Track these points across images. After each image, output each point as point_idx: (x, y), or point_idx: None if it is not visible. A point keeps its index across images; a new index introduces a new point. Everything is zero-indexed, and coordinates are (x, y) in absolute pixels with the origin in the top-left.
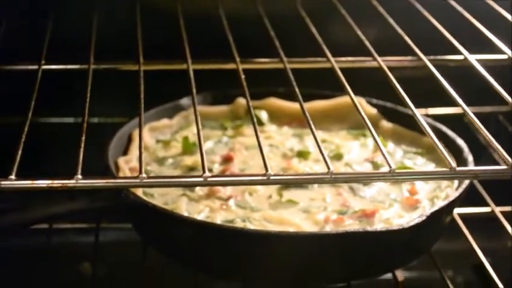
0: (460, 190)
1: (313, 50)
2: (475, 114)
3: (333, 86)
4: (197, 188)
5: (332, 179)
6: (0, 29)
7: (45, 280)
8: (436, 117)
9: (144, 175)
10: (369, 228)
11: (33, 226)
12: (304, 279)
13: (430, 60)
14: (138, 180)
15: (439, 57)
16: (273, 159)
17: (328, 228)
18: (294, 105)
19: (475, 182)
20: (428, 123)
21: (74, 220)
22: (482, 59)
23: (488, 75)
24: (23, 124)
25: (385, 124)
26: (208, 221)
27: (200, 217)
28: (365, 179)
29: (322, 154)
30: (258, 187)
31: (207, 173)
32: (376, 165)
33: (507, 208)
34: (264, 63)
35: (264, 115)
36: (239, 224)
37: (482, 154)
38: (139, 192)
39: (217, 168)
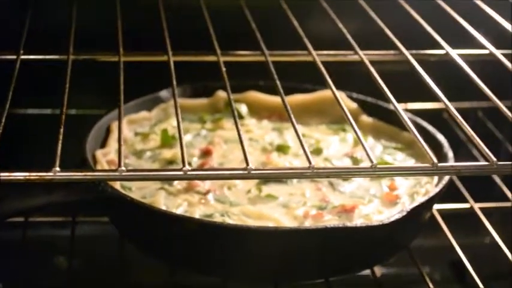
0: (440, 186)
1: (294, 43)
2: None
3: (313, 79)
4: (175, 182)
5: (314, 174)
6: None
7: (21, 273)
8: (414, 112)
9: (123, 168)
10: (348, 224)
11: (8, 219)
12: (283, 275)
13: (411, 55)
14: (117, 173)
15: (421, 51)
16: (252, 153)
17: (308, 224)
18: (274, 99)
19: (454, 178)
20: (408, 118)
21: (49, 213)
22: (463, 53)
23: (470, 70)
24: (0, 115)
25: (365, 119)
26: (187, 215)
27: (179, 211)
28: (346, 174)
29: (304, 149)
30: (237, 181)
31: (187, 167)
32: (355, 161)
33: (486, 204)
34: (245, 55)
35: (243, 108)
36: (218, 218)
37: (459, 150)
38: (117, 185)
39: (195, 161)
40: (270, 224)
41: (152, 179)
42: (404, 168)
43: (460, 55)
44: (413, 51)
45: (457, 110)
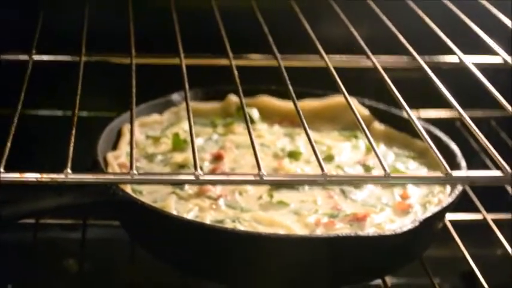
0: (453, 196)
1: (306, 46)
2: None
3: (324, 84)
4: (187, 187)
5: (326, 181)
6: None
7: (31, 276)
8: (426, 120)
9: (134, 171)
10: (360, 233)
11: (20, 221)
12: (293, 283)
13: (424, 61)
14: (128, 177)
15: (434, 58)
16: (264, 159)
17: (319, 232)
18: (286, 104)
19: (467, 188)
20: (421, 127)
21: (60, 216)
22: (477, 62)
23: (485, 78)
24: (12, 116)
25: (377, 126)
26: (198, 221)
27: (189, 216)
28: (359, 181)
29: (317, 156)
30: (249, 187)
31: (199, 171)
32: (368, 168)
33: (499, 215)
34: (257, 59)
35: (255, 113)
36: (229, 224)
37: (472, 160)
38: (128, 189)
39: (207, 166)
40: (281, 231)
41: (164, 183)
42: (417, 177)
43: (473, 63)
44: (427, 58)
45: (470, 118)
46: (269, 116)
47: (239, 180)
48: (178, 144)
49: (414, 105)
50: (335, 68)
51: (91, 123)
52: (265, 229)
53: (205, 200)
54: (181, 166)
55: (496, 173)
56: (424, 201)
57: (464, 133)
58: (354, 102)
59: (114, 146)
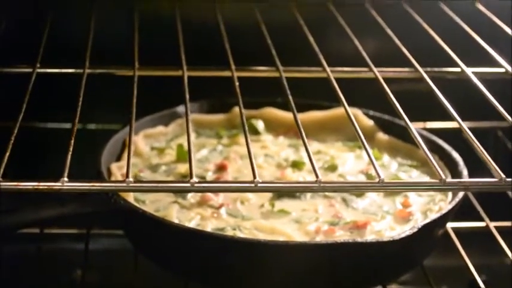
0: (453, 203)
1: (310, 59)
2: (473, 129)
3: (332, 97)
4: (189, 196)
5: (320, 188)
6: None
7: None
8: (435, 132)
9: (130, 179)
10: (359, 239)
11: (23, 230)
12: None
13: (426, 72)
14: (124, 184)
15: (435, 69)
16: (267, 168)
17: (319, 239)
18: (291, 116)
19: (471, 196)
20: (423, 136)
21: (64, 226)
22: (479, 71)
23: (485, 89)
24: (13, 127)
25: (381, 136)
26: (198, 228)
27: (191, 225)
28: (354, 188)
29: (312, 162)
30: (250, 196)
31: (194, 179)
32: (370, 177)
33: (502, 223)
34: (259, 71)
35: (260, 124)
36: (229, 232)
37: (480, 170)
38: (130, 198)
39: (210, 176)
40: (281, 239)
41: (160, 191)
42: (411, 183)
43: (476, 73)
44: (428, 69)
45: (477, 129)
46: (275, 128)
47: (233, 187)
48: (182, 155)
49: (422, 118)
50: (341, 81)
51: (100, 136)
52: (266, 237)
53: (207, 209)
54: (185, 176)
55: (491, 179)
56: (425, 209)
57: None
58: (358, 113)
59: (119, 157)
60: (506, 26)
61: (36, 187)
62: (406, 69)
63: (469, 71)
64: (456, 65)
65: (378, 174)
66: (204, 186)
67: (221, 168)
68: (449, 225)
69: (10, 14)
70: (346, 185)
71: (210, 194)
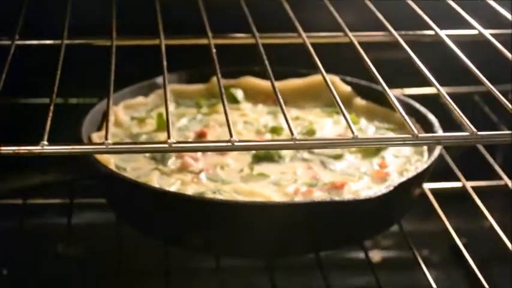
0: (429, 162)
1: (288, 28)
2: (450, 94)
3: (309, 64)
4: (169, 162)
5: (296, 145)
6: None
7: (20, 261)
8: (413, 97)
9: (109, 141)
10: (336, 198)
11: (5, 199)
12: (274, 250)
13: (401, 36)
14: (103, 146)
15: (410, 32)
16: (246, 135)
17: (298, 200)
18: (269, 84)
19: (447, 158)
20: (400, 100)
21: (47, 196)
22: (452, 34)
23: (460, 52)
24: None
25: (359, 101)
26: (177, 192)
27: (171, 189)
28: (329, 145)
29: (287, 121)
30: (230, 161)
31: (172, 140)
32: None
33: (479, 183)
34: (236, 38)
35: (239, 93)
36: (209, 195)
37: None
38: (112, 166)
39: None
40: (260, 200)
41: (137, 152)
42: (384, 138)
43: (450, 36)
44: (403, 32)
45: (454, 94)
46: (253, 96)
47: (211, 147)
48: (162, 124)
49: (400, 85)
50: (316, 47)
51: (81, 110)
52: (245, 199)
53: (188, 174)
54: None
55: (462, 133)
56: (401, 170)
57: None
58: (335, 79)
59: (99, 128)
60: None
61: (16, 151)
62: (381, 33)
63: (443, 33)
64: (431, 29)
65: (352, 131)
66: (181, 147)
67: (201, 136)
68: (427, 186)
69: None
70: (321, 142)
71: (189, 160)
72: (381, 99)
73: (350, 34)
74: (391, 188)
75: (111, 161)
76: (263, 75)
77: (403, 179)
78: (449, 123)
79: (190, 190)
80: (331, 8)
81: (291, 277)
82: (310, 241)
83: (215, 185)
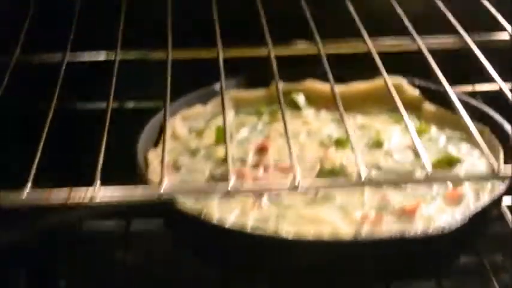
0: (507, 182)
1: (351, 29)
2: None
3: (373, 66)
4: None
5: (362, 183)
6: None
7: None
8: (483, 95)
9: (161, 191)
10: (406, 235)
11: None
12: (339, 284)
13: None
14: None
15: (483, 36)
16: (309, 147)
17: (365, 228)
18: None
19: None
20: (471, 105)
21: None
22: None
23: None
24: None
25: (428, 107)
26: (237, 229)
27: (231, 217)
28: (399, 183)
29: (357, 157)
30: None
31: (231, 182)
32: (418, 154)
33: None
34: (297, 48)
35: (301, 99)
36: (273, 222)
37: None
38: None
39: (251, 158)
40: (325, 228)
41: (194, 196)
42: (459, 177)
43: None
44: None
45: None
46: (316, 100)
47: (274, 189)
48: (221, 138)
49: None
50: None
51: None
52: (309, 226)
53: (249, 197)
54: (224, 160)
55: None
56: (476, 188)
57: None
58: (403, 83)
59: (156, 142)
60: None
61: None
62: (451, 38)
63: None
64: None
65: (425, 166)
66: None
67: (261, 150)
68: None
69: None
70: (391, 181)
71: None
72: (451, 104)
73: (419, 40)
74: (466, 220)
75: None
76: (325, 78)
77: (481, 205)
78: None
79: (251, 217)
80: (398, 10)
81: None
82: (379, 275)
83: (278, 210)
